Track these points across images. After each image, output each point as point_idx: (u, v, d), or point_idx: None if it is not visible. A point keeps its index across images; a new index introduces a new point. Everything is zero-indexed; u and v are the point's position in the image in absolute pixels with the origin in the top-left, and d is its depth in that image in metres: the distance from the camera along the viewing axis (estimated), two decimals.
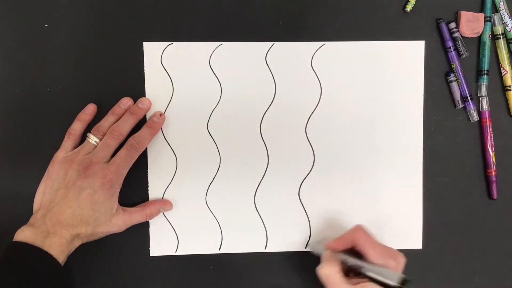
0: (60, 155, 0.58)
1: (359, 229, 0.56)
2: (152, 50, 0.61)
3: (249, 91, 0.62)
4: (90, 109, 0.61)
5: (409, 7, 0.62)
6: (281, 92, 0.62)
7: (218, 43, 0.61)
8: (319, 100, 0.62)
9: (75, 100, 0.61)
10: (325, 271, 0.54)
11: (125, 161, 0.57)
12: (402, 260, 0.54)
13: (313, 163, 0.62)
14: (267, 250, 0.63)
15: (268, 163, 0.62)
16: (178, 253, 0.62)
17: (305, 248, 0.63)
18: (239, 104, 0.62)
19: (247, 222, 0.62)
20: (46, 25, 0.61)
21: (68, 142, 0.59)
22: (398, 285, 0.50)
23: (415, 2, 0.62)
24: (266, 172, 0.62)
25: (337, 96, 0.62)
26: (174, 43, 0.61)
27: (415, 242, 0.63)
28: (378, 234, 0.59)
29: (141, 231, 0.62)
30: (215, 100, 0.62)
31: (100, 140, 0.58)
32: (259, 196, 0.62)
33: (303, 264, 0.63)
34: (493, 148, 0.63)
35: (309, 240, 0.63)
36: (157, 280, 0.62)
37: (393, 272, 0.51)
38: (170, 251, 0.62)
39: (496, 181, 0.63)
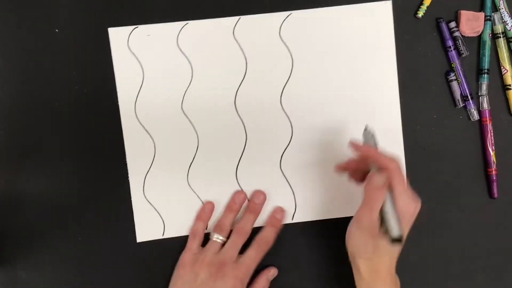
0: (188, 256, 0.60)
1: (397, 166, 0.51)
2: (118, 36, 0.60)
3: (220, 68, 0.61)
4: (208, 208, 0.62)
5: (420, 13, 0.62)
6: (252, 66, 0.61)
7: (184, 23, 0.61)
8: (291, 71, 0.62)
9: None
10: (379, 191, 0.51)
11: (255, 261, 0.59)
12: (418, 204, 0.53)
13: (292, 134, 0.62)
14: (254, 226, 0.62)
15: (246, 139, 0.62)
16: (165, 236, 0.62)
17: (292, 220, 0.63)
18: (211, 82, 0.61)
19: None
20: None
21: (195, 242, 0.60)
22: (394, 238, 0.49)
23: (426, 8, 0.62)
24: (245, 148, 0.62)
25: (309, 65, 0.62)
26: (139, 26, 0.61)
27: None
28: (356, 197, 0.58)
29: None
30: (187, 80, 0.61)
31: (224, 238, 0.60)
32: (240, 172, 0.62)
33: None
34: (493, 147, 0.62)
35: (295, 212, 0.63)
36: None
37: (396, 229, 0.50)
38: (157, 235, 0.62)
39: (497, 180, 0.62)
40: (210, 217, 0.62)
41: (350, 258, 0.55)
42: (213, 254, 0.59)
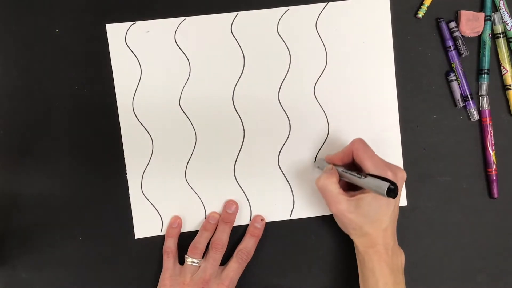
0: (166, 277, 0.59)
1: (358, 141, 0.55)
2: (115, 32, 0.61)
3: (218, 64, 0.61)
4: (176, 223, 0.62)
5: (421, 13, 0.62)
6: (250, 62, 0.62)
7: (181, 19, 0.61)
8: (289, 66, 0.62)
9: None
10: (322, 182, 0.55)
11: (238, 273, 0.60)
12: (401, 174, 0.54)
13: (289, 130, 0.62)
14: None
15: (244, 135, 0.62)
16: (163, 232, 0.62)
17: (290, 216, 0.63)
18: (209, 78, 0.61)
19: (228, 196, 0.62)
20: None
21: (169, 260, 0.60)
22: (386, 191, 0.50)
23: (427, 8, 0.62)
24: (243, 144, 0.62)
25: (307, 60, 0.62)
26: (137, 22, 0.61)
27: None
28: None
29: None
30: (185, 76, 0.61)
31: (199, 260, 0.60)
32: (238, 169, 0.62)
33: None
34: (493, 147, 0.62)
35: (292, 208, 0.62)
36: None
37: (384, 182, 0.50)
38: (155, 232, 0.62)
39: (497, 180, 0.62)
40: (179, 231, 0.62)
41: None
42: (192, 275, 0.59)
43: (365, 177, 0.52)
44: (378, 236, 0.54)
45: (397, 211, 0.56)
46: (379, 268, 0.54)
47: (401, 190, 0.54)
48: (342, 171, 0.56)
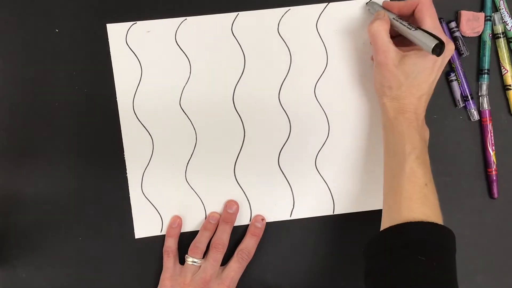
0: (167, 277, 0.59)
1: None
2: (116, 32, 0.61)
3: (218, 64, 0.61)
4: (176, 223, 0.61)
5: None
6: (251, 62, 0.62)
7: (182, 18, 0.61)
8: (290, 67, 0.62)
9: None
10: (376, 28, 0.55)
11: (238, 273, 0.59)
12: (451, 46, 0.55)
13: (290, 130, 0.62)
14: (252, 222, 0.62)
15: (244, 135, 0.62)
16: (163, 232, 0.62)
17: (290, 216, 0.63)
18: (209, 78, 0.61)
19: (229, 196, 0.62)
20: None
21: (169, 260, 0.60)
22: (433, 48, 0.50)
23: None
24: (244, 144, 0.62)
25: (307, 60, 0.62)
26: (137, 22, 0.61)
27: None
28: (354, 193, 0.62)
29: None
30: (185, 76, 0.61)
31: (199, 259, 0.60)
32: (238, 169, 0.62)
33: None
34: (493, 147, 0.62)
35: (293, 209, 0.62)
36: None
37: (433, 38, 0.51)
38: (155, 232, 0.62)
39: (497, 180, 0.62)
40: (180, 231, 0.62)
41: (378, 99, 0.57)
42: (193, 274, 0.59)
43: (416, 29, 0.53)
44: (412, 103, 0.54)
45: (434, 84, 0.55)
46: (408, 133, 0.53)
47: (445, 64, 0.55)
48: (394, 18, 0.56)
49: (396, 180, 0.53)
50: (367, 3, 0.61)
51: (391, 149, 0.55)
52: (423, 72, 0.53)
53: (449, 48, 0.54)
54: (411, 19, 0.57)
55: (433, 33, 0.52)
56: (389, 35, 0.54)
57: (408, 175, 0.52)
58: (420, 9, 0.55)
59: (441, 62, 0.54)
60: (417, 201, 0.51)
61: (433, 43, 0.51)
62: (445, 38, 0.53)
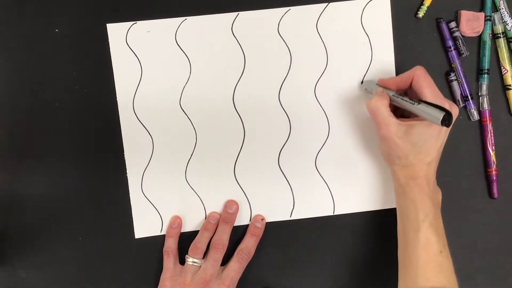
0: (167, 277, 0.59)
1: (420, 68, 0.55)
2: (116, 32, 0.61)
3: (218, 64, 0.61)
4: (176, 223, 0.61)
5: (421, 13, 0.62)
6: (251, 62, 0.62)
7: (182, 18, 0.61)
8: (290, 67, 0.62)
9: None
10: (374, 103, 0.55)
11: (238, 273, 0.60)
12: (455, 109, 0.55)
13: (290, 130, 0.62)
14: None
15: (244, 135, 0.62)
16: (163, 232, 0.62)
17: (290, 217, 0.63)
18: (209, 79, 0.61)
19: (229, 195, 0.62)
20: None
21: (170, 260, 0.60)
22: (441, 119, 0.50)
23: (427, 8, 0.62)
24: (244, 144, 0.62)
25: (307, 60, 0.62)
26: (137, 22, 0.61)
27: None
28: (354, 194, 0.62)
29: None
30: (185, 76, 0.61)
31: (199, 260, 0.60)
32: (238, 169, 0.62)
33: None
34: (493, 147, 0.62)
35: (293, 209, 0.62)
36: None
37: (439, 110, 0.51)
38: (155, 232, 0.62)
39: (497, 180, 0.62)
40: (180, 231, 0.62)
41: (388, 165, 0.57)
42: (193, 275, 0.59)
43: (419, 103, 0.53)
44: (422, 169, 0.54)
45: (442, 148, 0.55)
46: (420, 200, 0.53)
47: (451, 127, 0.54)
48: (393, 95, 0.56)
49: (411, 248, 0.53)
50: (362, 82, 0.62)
51: (403, 214, 0.55)
52: (430, 140, 0.54)
53: (454, 112, 0.54)
54: (409, 90, 0.57)
55: (436, 103, 0.53)
56: (389, 108, 0.54)
57: (423, 244, 0.53)
58: (416, 81, 0.55)
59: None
60: (432, 270, 0.52)
61: (440, 115, 0.50)
62: (448, 104, 0.53)
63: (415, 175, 0.54)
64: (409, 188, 0.54)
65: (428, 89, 0.54)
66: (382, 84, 0.58)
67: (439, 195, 0.57)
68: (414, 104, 0.53)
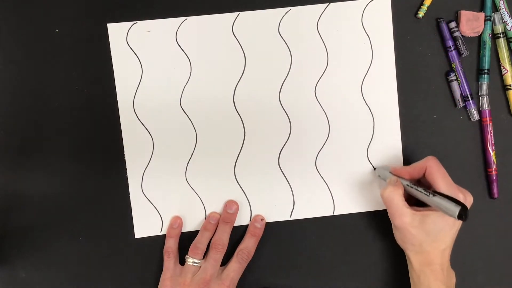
0: (167, 277, 0.59)
1: (432, 158, 0.56)
2: (116, 31, 0.61)
3: (219, 64, 0.61)
4: (176, 223, 0.61)
5: (421, 13, 0.62)
6: (251, 62, 0.62)
7: (183, 18, 0.61)
8: (290, 67, 0.62)
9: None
10: (388, 193, 0.55)
11: (238, 273, 0.60)
12: (470, 198, 0.55)
13: (290, 131, 0.62)
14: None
15: (244, 135, 0.62)
16: (163, 232, 0.62)
17: (290, 217, 0.63)
18: (210, 79, 0.61)
19: (229, 196, 0.62)
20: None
21: (170, 261, 0.60)
22: (458, 214, 0.50)
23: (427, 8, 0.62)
24: (244, 144, 0.62)
25: (308, 61, 0.62)
26: (138, 22, 0.61)
27: None
28: (354, 194, 0.62)
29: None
30: (186, 76, 0.61)
31: (199, 260, 0.60)
32: (239, 169, 0.62)
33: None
34: (493, 147, 0.62)
35: (293, 209, 0.62)
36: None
37: (455, 204, 0.51)
38: (155, 232, 0.62)
39: (497, 180, 0.62)
40: (180, 232, 0.62)
41: (403, 249, 0.57)
42: (193, 275, 0.59)
43: (433, 195, 0.53)
44: (436, 256, 0.54)
45: (456, 235, 0.55)
46: (435, 287, 0.54)
47: None
48: (408, 185, 0.56)
49: None
50: (375, 168, 0.62)
51: None
52: (444, 228, 0.54)
53: (469, 201, 0.55)
54: (423, 179, 0.57)
55: (450, 194, 0.53)
56: (403, 198, 0.55)
57: None
58: (430, 172, 0.55)
59: None
60: None
61: (457, 209, 0.50)
62: (462, 195, 0.53)
63: (429, 262, 0.54)
64: (423, 275, 0.55)
65: (442, 180, 0.54)
66: (396, 173, 0.58)
67: (453, 279, 0.57)
68: (429, 196, 0.53)
